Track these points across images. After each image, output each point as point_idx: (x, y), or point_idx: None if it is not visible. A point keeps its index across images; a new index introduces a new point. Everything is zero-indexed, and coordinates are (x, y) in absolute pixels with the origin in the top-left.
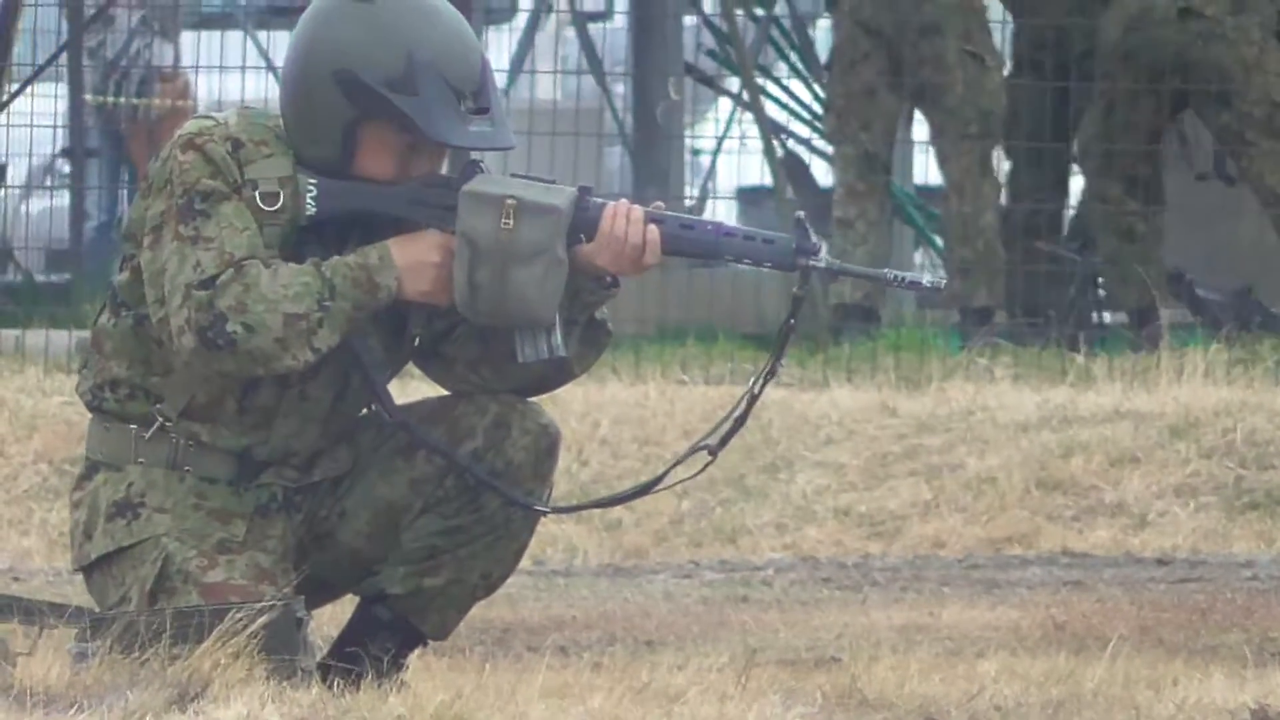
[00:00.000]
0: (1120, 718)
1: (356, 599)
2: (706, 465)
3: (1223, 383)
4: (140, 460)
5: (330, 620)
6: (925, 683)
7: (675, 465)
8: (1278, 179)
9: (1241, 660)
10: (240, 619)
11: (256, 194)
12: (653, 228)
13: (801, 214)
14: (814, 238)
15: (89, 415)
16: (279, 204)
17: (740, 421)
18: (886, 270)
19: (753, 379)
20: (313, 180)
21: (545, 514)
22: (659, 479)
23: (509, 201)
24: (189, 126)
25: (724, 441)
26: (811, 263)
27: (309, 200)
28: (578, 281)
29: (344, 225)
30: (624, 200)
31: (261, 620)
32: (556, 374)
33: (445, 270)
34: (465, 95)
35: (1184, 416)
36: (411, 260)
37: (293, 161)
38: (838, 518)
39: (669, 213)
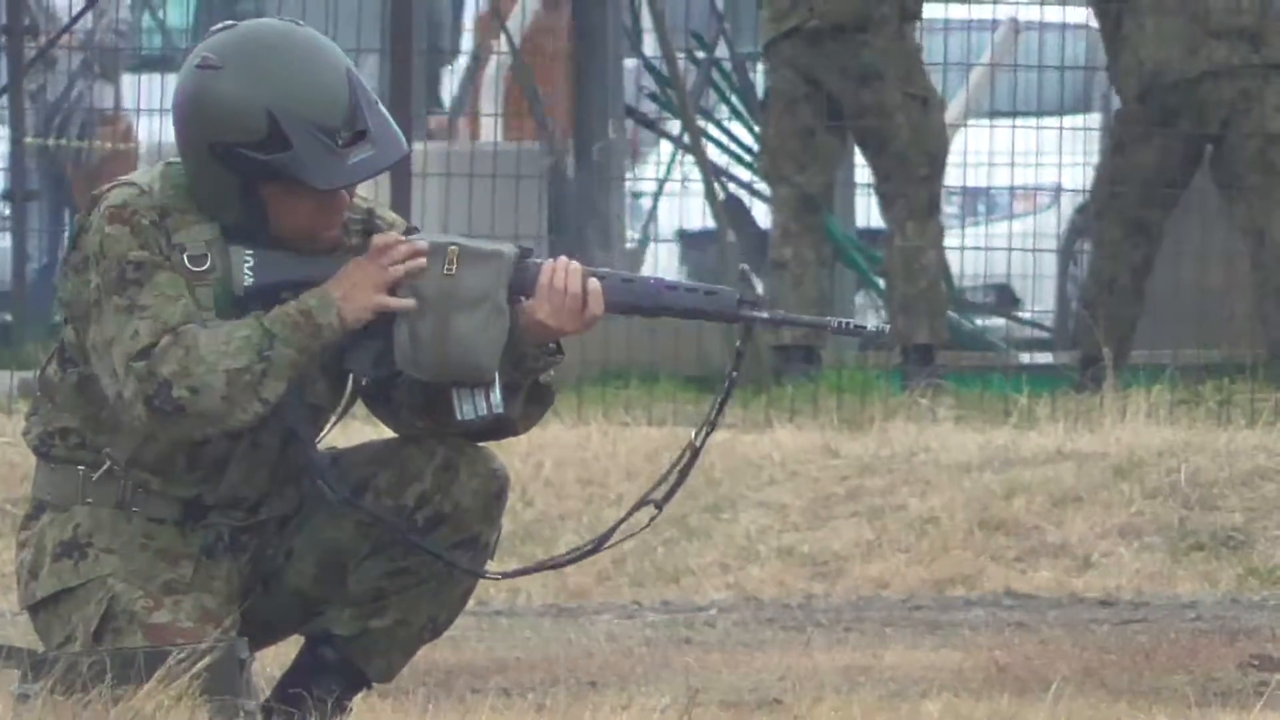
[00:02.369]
0: None
1: (301, 639)
2: (652, 520)
3: (1166, 423)
4: (88, 501)
5: (274, 661)
6: None
7: (620, 524)
8: (1262, 213)
9: (1185, 701)
10: (183, 660)
11: (185, 257)
12: (593, 280)
13: (745, 266)
14: (757, 289)
15: (34, 457)
16: (207, 264)
17: (683, 475)
18: (830, 318)
19: (695, 432)
20: (249, 252)
21: (488, 578)
22: (604, 538)
23: (452, 248)
24: (114, 197)
25: (668, 496)
26: (754, 314)
27: (246, 271)
28: (521, 348)
29: (273, 292)
30: (562, 257)
31: (204, 661)
32: (499, 429)
33: (379, 273)
34: (337, 129)
35: (1127, 457)
36: (349, 289)
37: (219, 227)
38: (781, 558)
39: (608, 270)
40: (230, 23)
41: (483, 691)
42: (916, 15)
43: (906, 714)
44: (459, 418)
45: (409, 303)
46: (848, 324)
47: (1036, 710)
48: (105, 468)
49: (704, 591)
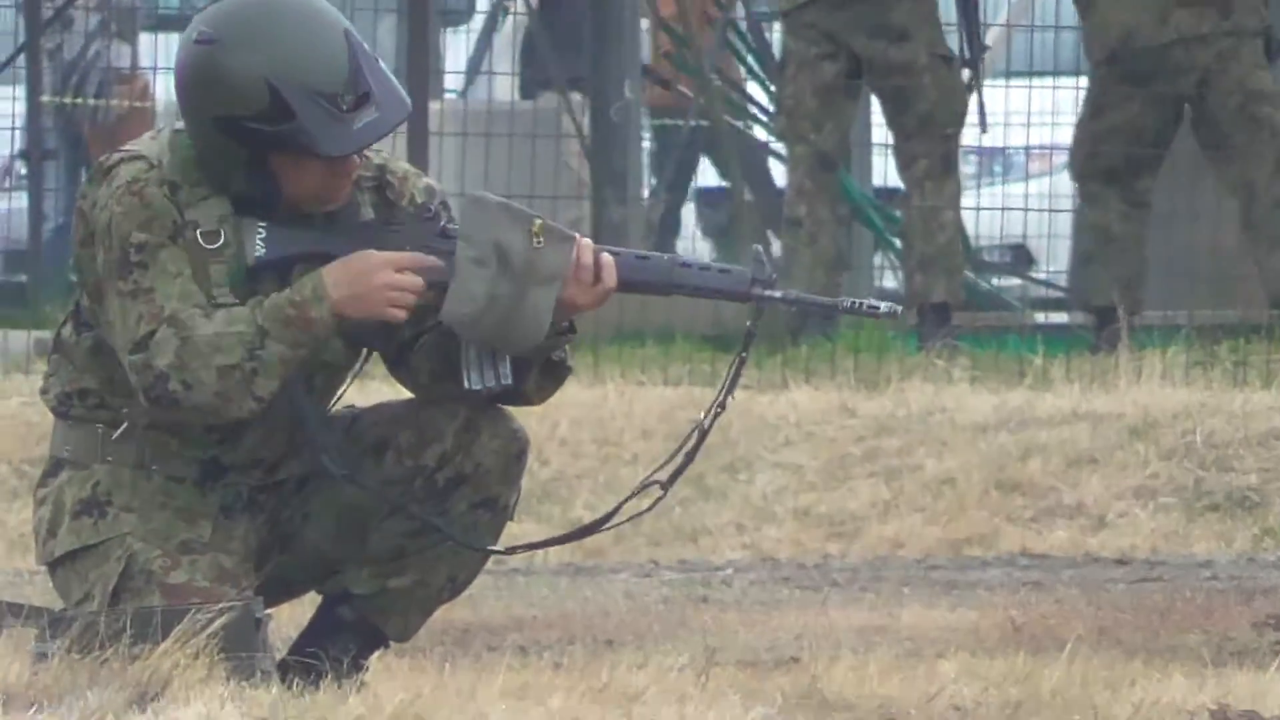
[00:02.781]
0: (1078, 718)
1: (318, 597)
2: (657, 501)
3: (1181, 384)
4: (108, 459)
5: (290, 620)
6: (885, 683)
7: (626, 501)
8: (1248, 166)
9: (1200, 660)
10: (200, 619)
11: (198, 234)
12: (606, 256)
13: (759, 247)
14: (770, 269)
15: (52, 416)
16: (220, 241)
17: (691, 456)
18: (843, 299)
19: (703, 414)
20: (261, 224)
21: (498, 554)
22: (609, 515)
23: (537, 221)
24: (123, 173)
25: (674, 476)
26: (767, 294)
27: (258, 243)
28: None
29: (291, 261)
30: (575, 233)
31: (221, 620)
32: (514, 397)
33: (388, 286)
34: (340, 95)
35: (1143, 418)
36: (347, 285)
37: (230, 201)
38: (797, 518)
39: (621, 248)
40: None
41: (500, 650)
42: None
43: (923, 673)
44: (467, 386)
45: (401, 315)
46: (860, 304)
47: (1052, 669)
48: (124, 427)
49: (721, 551)
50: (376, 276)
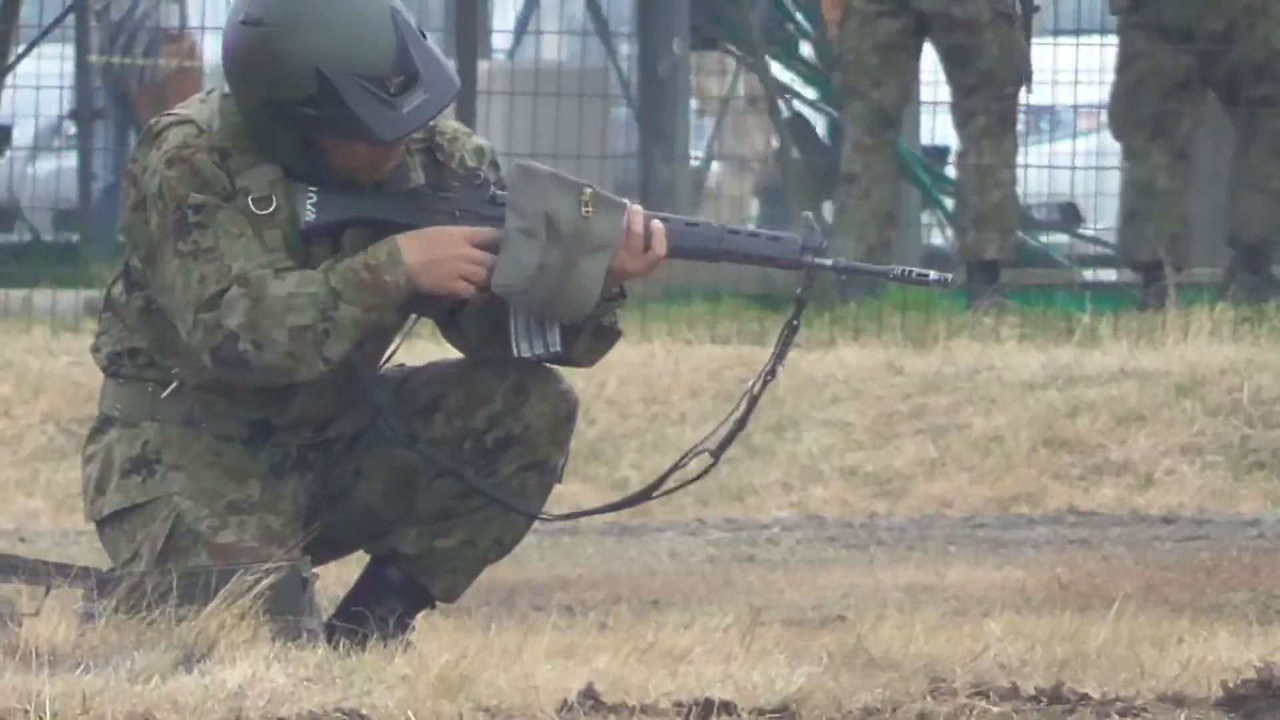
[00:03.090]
0: (1125, 676)
1: (365, 558)
2: (708, 469)
3: (1229, 341)
4: (157, 417)
5: (336, 580)
6: (931, 642)
7: (674, 469)
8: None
9: (1246, 619)
10: (246, 580)
11: (250, 200)
12: (657, 222)
13: (809, 215)
14: (820, 236)
15: (100, 374)
16: (272, 206)
17: (741, 424)
18: (894, 267)
19: (752, 382)
20: (312, 189)
21: (545, 519)
22: (659, 483)
23: (587, 190)
24: (172, 137)
25: (725, 444)
26: (818, 261)
27: (309, 208)
28: None
29: (342, 226)
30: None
31: (267, 581)
32: (562, 362)
33: (465, 260)
34: (387, 77)
35: (1190, 375)
36: (424, 252)
37: (281, 167)
38: (844, 477)
39: (671, 215)
40: None
41: (545, 610)
42: None
43: (969, 632)
44: (516, 354)
45: (470, 289)
46: (911, 273)
47: (1099, 627)
48: (174, 387)
49: (767, 510)
50: (453, 248)
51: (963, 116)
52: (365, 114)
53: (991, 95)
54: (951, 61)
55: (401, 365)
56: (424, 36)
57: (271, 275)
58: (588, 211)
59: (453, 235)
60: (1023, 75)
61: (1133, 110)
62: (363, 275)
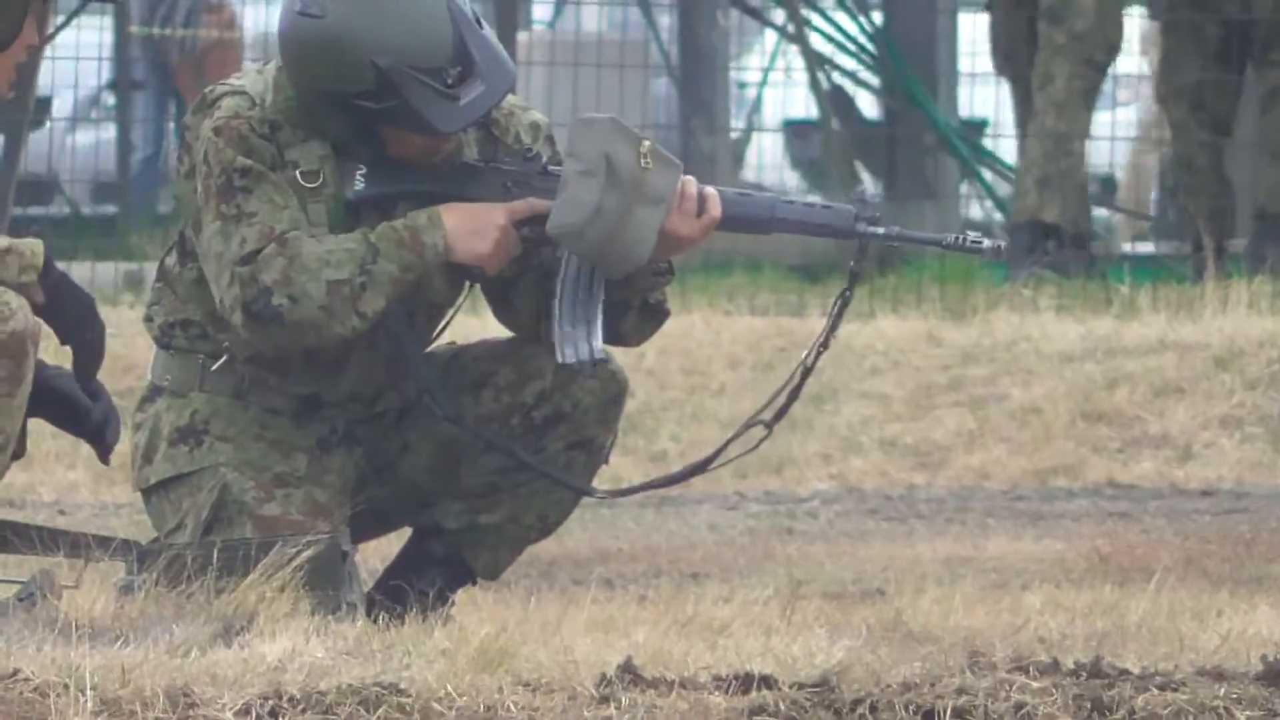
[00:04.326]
0: (1165, 649)
1: (406, 534)
2: (762, 440)
3: (1267, 314)
4: (205, 389)
5: (376, 554)
6: (970, 615)
7: (730, 441)
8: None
9: None
10: (286, 553)
11: (298, 173)
12: (710, 188)
13: (863, 186)
14: (873, 207)
15: (145, 346)
16: (319, 180)
17: (795, 395)
18: (946, 235)
19: (805, 353)
20: (361, 165)
21: (595, 496)
22: (714, 456)
23: (645, 143)
24: (225, 107)
25: (779, 415)
26: (871, 230)
27: (359, 178)
28: None
29: (390, 202)
30: None
31: (307, 554)
32: (611, 340)
33: (503, 235)
34: (445, 69)
35: (1228, 347)
36: (464, 221)
37: (331, 144)
38: (883, 449)
39: (722, 187)
40: None
41: (585, 583)
42: None
43: (1008, 605)
44: (560, 361)
45: (502, 262)
46: (964, 240)
47: (1139, 600)
48: (224, 360)
49: (806, 482)
50: (495, 219)
51: (1042, 79)
52: (423, 107)
53: (1078, 59)
54: (1045, 18)
55: (452, 343)
56: (479, 23)
57: (309, 238)
58: (646, 163)
59: (496, 210)
60: (1116, 47)
61: (1172, 80)
62: (402, 234)
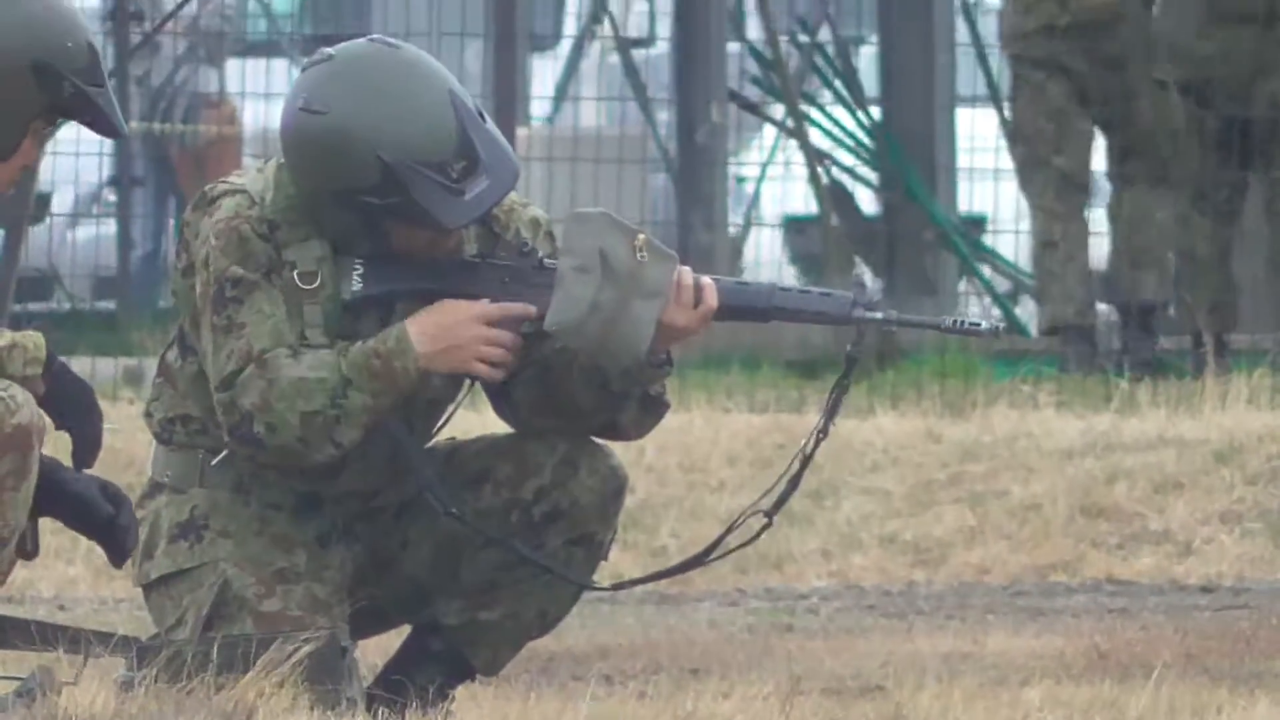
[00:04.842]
0: None
1: (406, 630)
2: (763, 529)
3: (1267, 408)
4: (206, 484)
5: (377, 649)
6: (970, 711)
7: (729, 531)
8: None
9: None
10: (285, 649)
11: (295, 274)
12: (707, 278)
13: (860, 272)
14: (870, 292)
15: (145, 441)
16: (317, 282)
17: (795, 483)
18: (945, 318)
19: (805, 440)
20: (359, 260)
21: (596, 589)
22: (714, 546)
23: (640, 236)
24: (224, 207)
25: (779, 504)
26: (869, 316)
27: (355, 278)
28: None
29: (387, 300)
30: None
31: (306, 649)
32: (610, 434)
33: (480, 343)
34: (449, 163)
35: (1228, 443)
36: (436, 340)
37: (330, 243)
38: (883, 545)
39: (720, 276)
40: (328, 53)
41: (585, 679)
42: (1152, 2)
43: (1008, 701)
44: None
45: (497, 375)
46: (962, 323)
47: (1138, 696)
48: (223, 455)
49: (806, 578)
50: (465, 331)
51: (1121, 179)
52: (429, 202)
53: (1146, 156)
54: (1109, 129)
55: (452, 439)
56: (483, 117)
57: (286, 355)
58: (641, 256)
59: (466, 316)
60: (1178, 135)
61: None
62: (373, 363)
